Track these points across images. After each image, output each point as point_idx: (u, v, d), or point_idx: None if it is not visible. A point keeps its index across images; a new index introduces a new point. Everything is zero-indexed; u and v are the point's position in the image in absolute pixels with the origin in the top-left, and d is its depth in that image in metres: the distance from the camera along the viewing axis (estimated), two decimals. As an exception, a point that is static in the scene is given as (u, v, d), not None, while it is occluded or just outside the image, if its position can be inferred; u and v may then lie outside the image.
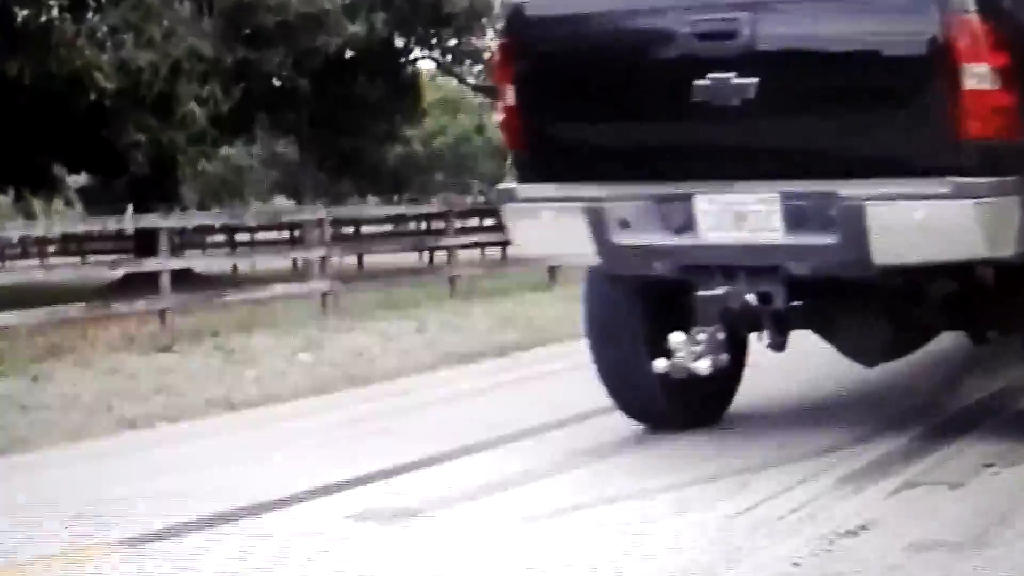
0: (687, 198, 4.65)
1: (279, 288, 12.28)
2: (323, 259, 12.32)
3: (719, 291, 4.68)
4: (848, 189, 4.37)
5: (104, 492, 4.79)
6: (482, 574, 3.58)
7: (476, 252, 18.97)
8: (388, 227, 26.38)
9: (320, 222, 12.70)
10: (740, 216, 4.58)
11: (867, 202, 4.32)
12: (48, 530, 4.28)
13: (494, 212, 16.93)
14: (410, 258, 21.20)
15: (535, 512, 4.19)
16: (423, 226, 23.89)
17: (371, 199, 27.62)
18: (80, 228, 17.97)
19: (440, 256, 17.99)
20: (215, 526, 4.21)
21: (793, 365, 5.90)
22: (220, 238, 25.45)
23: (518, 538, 3.93)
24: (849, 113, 4.45)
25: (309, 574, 3.66)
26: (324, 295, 11.80)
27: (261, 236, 26.10)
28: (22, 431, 6.19)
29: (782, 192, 4.51)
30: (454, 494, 4.49)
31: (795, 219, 4.49)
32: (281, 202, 33.17)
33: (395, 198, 29.43)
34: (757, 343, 5.24)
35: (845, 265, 4.46)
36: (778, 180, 4.52)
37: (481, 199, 23.14)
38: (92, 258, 24.30)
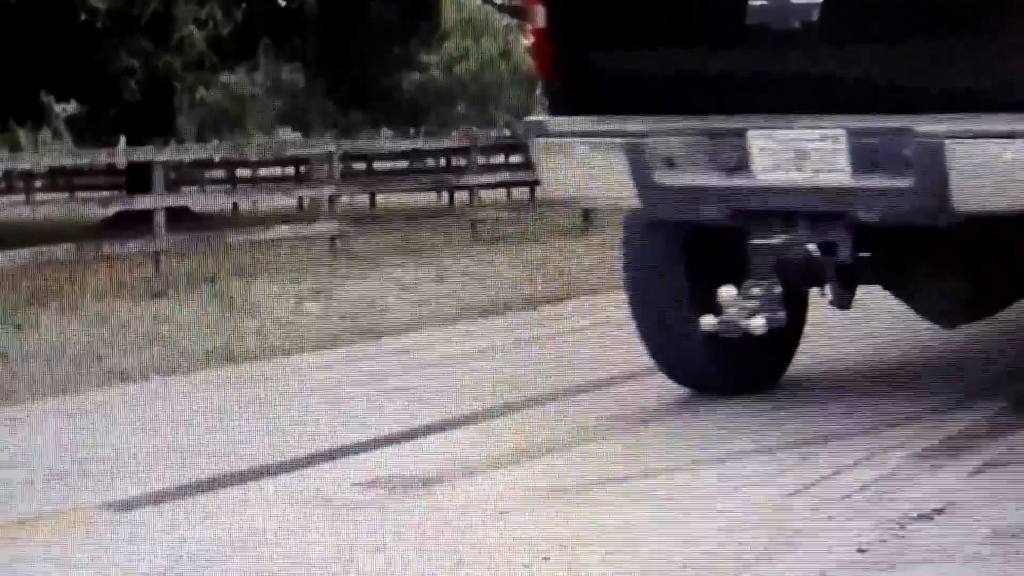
0: (741, 134, 4.57)
1: (284, 229, 12.30)
2: (332, 198, 12.32)
3: (776, 240, 4.63)
4: (925, 125, 4.28)
5: (93, 450, 4.82)
6: (503, 550, 3.53)
7: (501, 192, 18.95)
8: (403, 163, 26.43)
9: (329, 157, 12.69)
10: (801, 155, 4.50)
11: (947, 140, 4.24)
12: (32, 491, 4.30)
13: (522, 148, 16.86)
14: (428, 198, 21.22)
15: (564, 483, 4.16)
16: (442, 162, 23.94)
17: (385, 132, 27.56)
18: (69, 161, 18.04)
19: (461, 196, 17.96)
20: (212, 490, 4.22)
21: (860, 325, 5.82)
22: (219, 174, 25.57)
23: (544, 512, 3.89)
24: (926, 38, 4.35)
25: (314, 545, 3.63)
26: (333, 238, 11.79)
27: (264, 172, 26.24)
28: (4, 383, 6.26)
29: (849, 128, 4.42)
30: (474, 461, 4.47)
31: (864, 159, 4.42)
32: (286, 134, 33.20)
33: (411, 131, 29.37)
34: (819, 299, 5.16)
35: (921, 212, 4.39)
36: (845, 114, 4.44)
37: (507, 133, 23.05)
38: (81, 194, 24.50)
